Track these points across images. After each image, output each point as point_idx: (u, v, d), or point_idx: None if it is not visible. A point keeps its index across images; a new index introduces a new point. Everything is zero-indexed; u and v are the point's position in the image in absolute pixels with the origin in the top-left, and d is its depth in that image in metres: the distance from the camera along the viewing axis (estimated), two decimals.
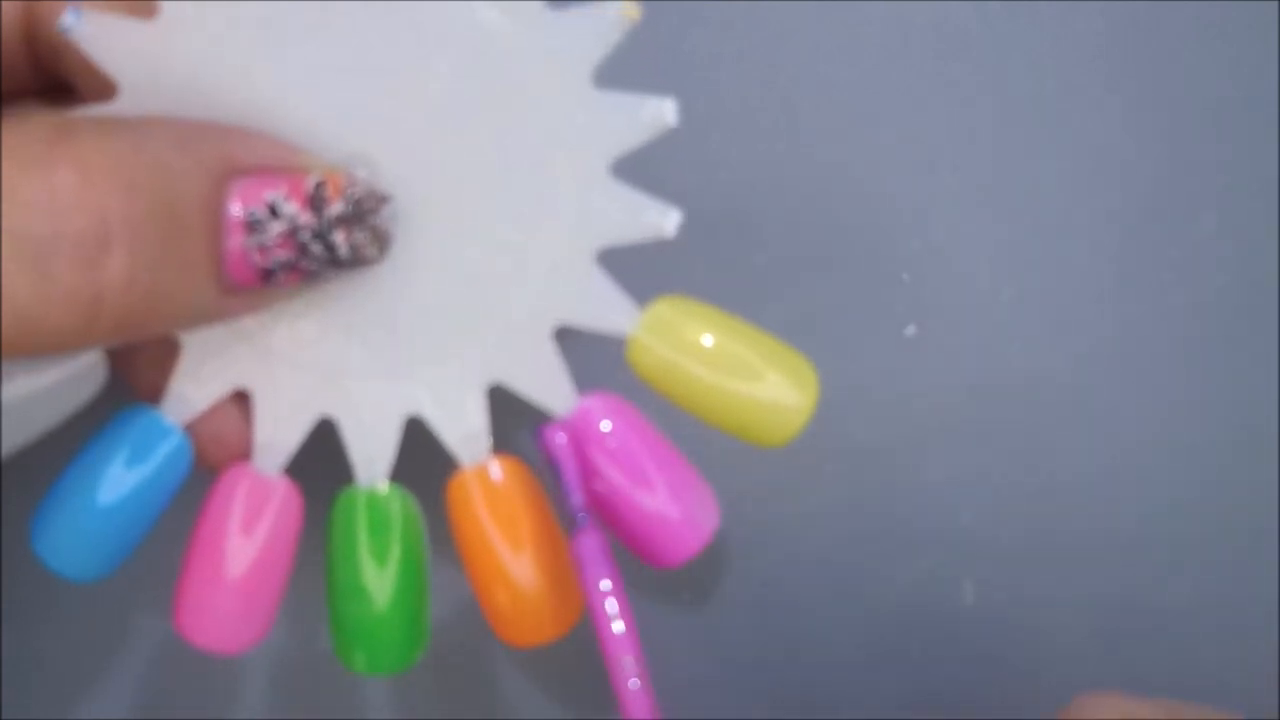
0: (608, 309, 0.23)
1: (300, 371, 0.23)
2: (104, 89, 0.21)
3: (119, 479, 0.23)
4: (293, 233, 0.20)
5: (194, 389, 0.23)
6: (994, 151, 0.31)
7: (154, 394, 0.23)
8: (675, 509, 0.23)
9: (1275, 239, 0.31)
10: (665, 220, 0.22)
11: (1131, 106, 0.31)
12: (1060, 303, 0.31)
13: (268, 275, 0.20)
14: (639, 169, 0.22)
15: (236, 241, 0.20)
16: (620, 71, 0.22)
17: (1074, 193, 0.31)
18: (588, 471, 0.23)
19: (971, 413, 0.31)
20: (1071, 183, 0.31)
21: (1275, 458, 0.31)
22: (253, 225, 0.20)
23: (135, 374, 0.24)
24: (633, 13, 0.21)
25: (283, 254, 0.20)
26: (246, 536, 0.23)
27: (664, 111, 0.22)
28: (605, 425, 0.23)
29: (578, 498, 0.23)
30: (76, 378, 0.23)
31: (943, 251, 0.31)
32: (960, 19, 0.31)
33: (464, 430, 0.23)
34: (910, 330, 0.31)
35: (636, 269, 0.23)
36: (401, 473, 0.24)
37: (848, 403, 0.31)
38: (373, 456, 0.23)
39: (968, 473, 0.32)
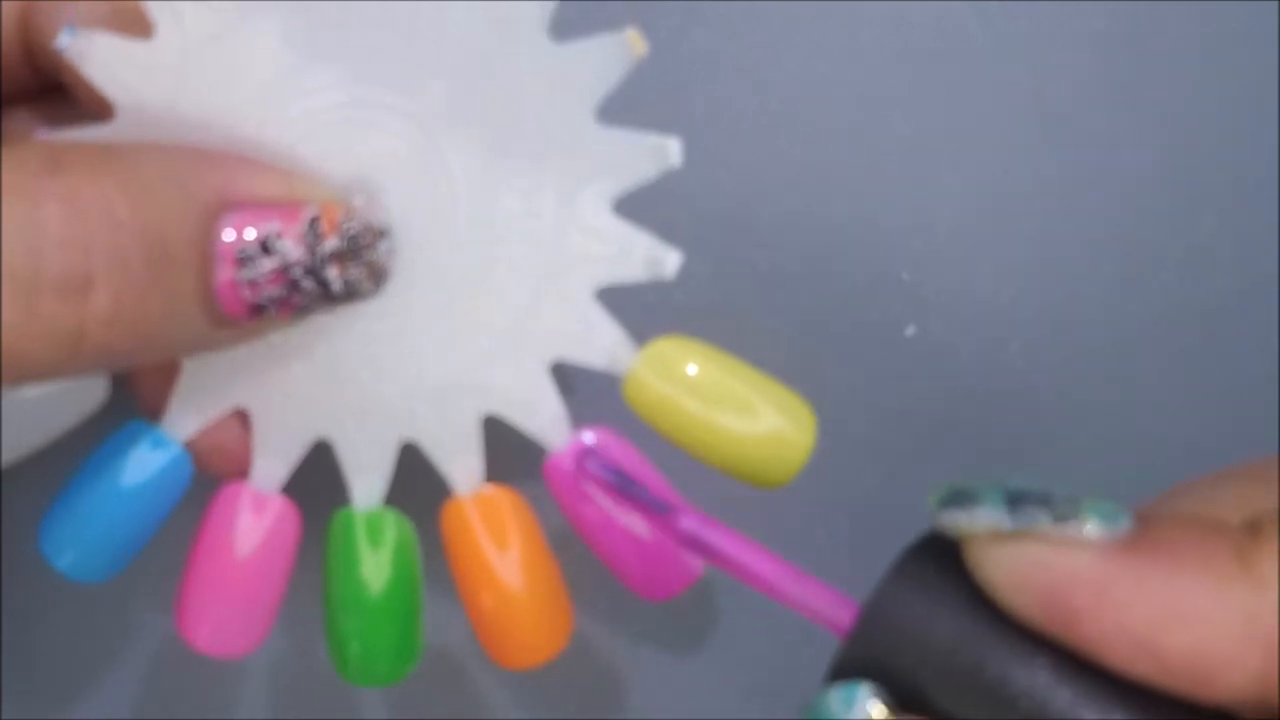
0: (606, 346, 0.23)
1: (298, 396, 0.23)
2: (101, 98, 0.21)
3: (122, 490, 0.23)
4: (284, 269, 0.20)
5: (193, 409, 0.23)
6: (994, 151, 0.31)
7: (156, 409, 0.23)
8: (669, 543, 0.23)
9: (1275, 239, 0.31)
10: (666, 262, 0.22)
11: (1131, 106, 0.31)
12: (1060, 303, 0.31)
13: (258, 309, 0.20)
14: None
15: (227, 275, 0.20)
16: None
17: (1074, 193, 0.31)
18: (580, 501, 0.23)
19: (971, 413, 0.31)
20: (1071, 183, 0.31)
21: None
22: (243, 261, 0.20)
23: (138, 389, 0.24)
24: (639, 46, 0.21)
25: (274, 289, 0.20)
26: (244, 554, 0.23)
27: (668, 151, 0.21)
28: (598, 457, 0.23)
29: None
30: (77, 391, 0.23)
31: (943, 251, 0.31)
32: (960, 19, 0.31)
33: (459, 458, 0.23)
34: (910, 330, 0.31)
35: None
36: (396, 494, 0.24)
37: (848, 403, 0.31)
38: (369, 480, 0.24)
39: (968, 473, 0.32)
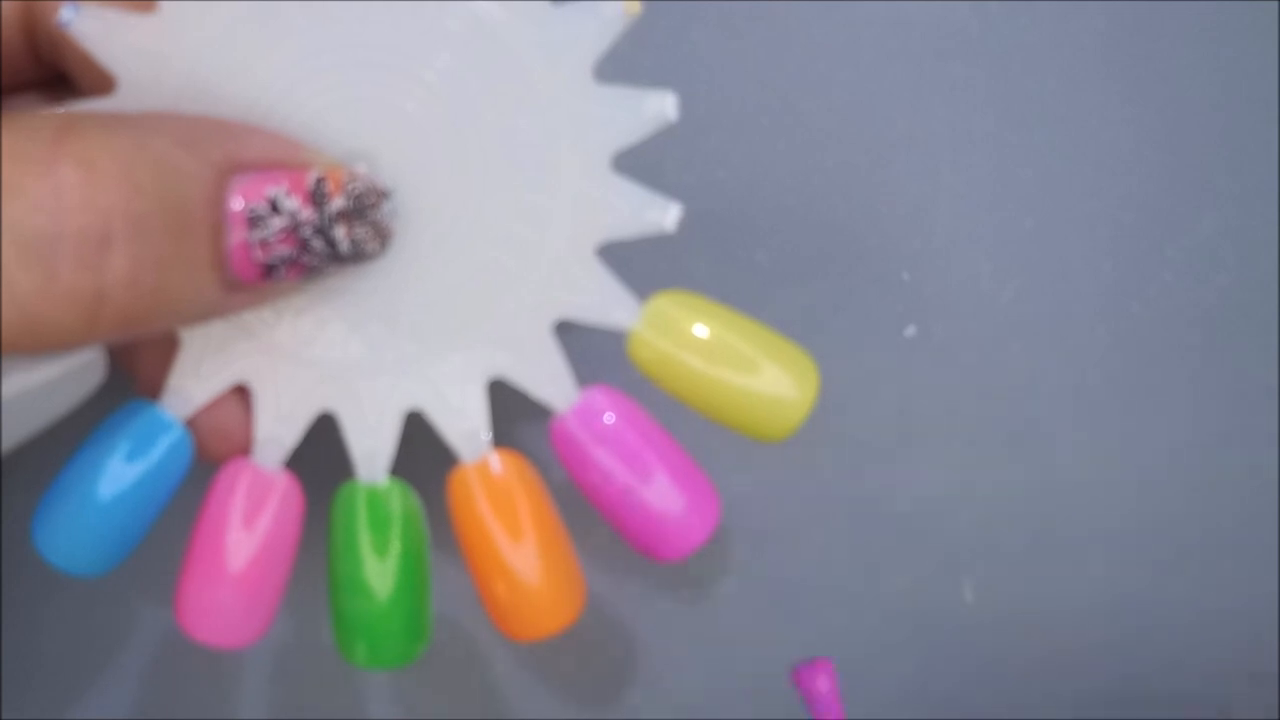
0: (608, 303, 0.23)
1: (301, 366, 0.23)
2: (103, 82, 0.21)
3: (120, 474, 0.23)
4: (294, 228, 0.20)
5: (194, 384, 0.23)
6: (994, 151, 0.31)
7: (154, 389, 0.23)
8: (677, 501, 0.23)
9: (1275, 239, 0.31)
10: (666, 214, 0.22)
11: (1131, 106, 0.31)
12: (1060, 303, 0.31)
13: (269, 271, 0.20)
14: (639, 167, 0.22)
15: (239, 237, 0.20)
16: (621, 70, 0.22)
17: (1074, 193, 0.31)
18: (587, 465, 0.23)
19: (971, 413, 0.31)
20: (1071, 183, 0.31)
21: (1275, 458, 0.31)
22: (254, 221, 0.20)
23: (136, 368, 0.24)
24: (634, 8, 0.21)
25: (284, 249, 0.20)
26: (247, 531, 0.23)
27: (665, 106, 0.22)
28: (607, 418, 0.23)
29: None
30: (75, 373, 0.23)
31: (943, 251, 0.31)
32: (960, 19, 0.31)
33: (464, 425, 0.23)
34: (910, 330, 0.31)
35: (637, 267, 0.23)
36: (402, 466, 0.24)
37: (848, 403, 0.31)
38: (373, 451, 0.23)
39: (968, 473, 0.32)
